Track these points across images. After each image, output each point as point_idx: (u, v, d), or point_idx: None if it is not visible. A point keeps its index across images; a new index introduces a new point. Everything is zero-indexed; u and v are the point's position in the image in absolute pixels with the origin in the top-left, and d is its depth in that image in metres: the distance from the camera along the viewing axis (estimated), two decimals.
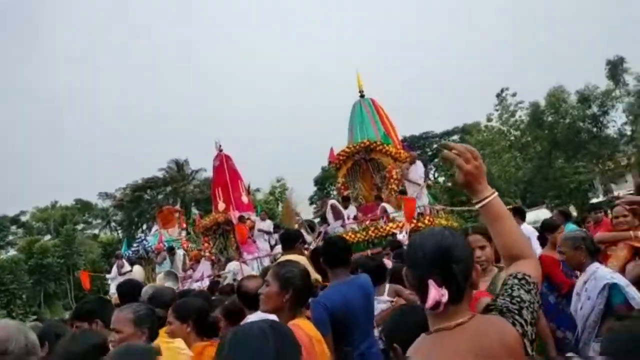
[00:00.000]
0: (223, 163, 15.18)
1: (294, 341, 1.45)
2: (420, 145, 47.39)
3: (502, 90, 41.02)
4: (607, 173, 39.37)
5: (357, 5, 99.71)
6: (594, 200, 35.87)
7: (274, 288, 2.61)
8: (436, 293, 1.39)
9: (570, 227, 7.62)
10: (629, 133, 38.73)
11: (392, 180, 12.11)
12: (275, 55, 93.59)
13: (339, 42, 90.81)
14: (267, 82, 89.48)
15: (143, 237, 16.04)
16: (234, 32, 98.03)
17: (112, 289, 13.20)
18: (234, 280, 10.95)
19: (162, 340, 2.76)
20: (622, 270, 3.91)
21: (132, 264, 14.19)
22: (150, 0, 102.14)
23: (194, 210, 43.87)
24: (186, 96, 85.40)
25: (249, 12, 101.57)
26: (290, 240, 4.47)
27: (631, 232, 4.19)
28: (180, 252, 14.16)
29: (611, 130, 38.94)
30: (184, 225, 16.74)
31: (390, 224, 10.57)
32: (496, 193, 1.70)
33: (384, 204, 11.54)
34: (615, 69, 37.72)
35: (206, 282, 12.27)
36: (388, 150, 12.27)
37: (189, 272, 13.74)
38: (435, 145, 50.42)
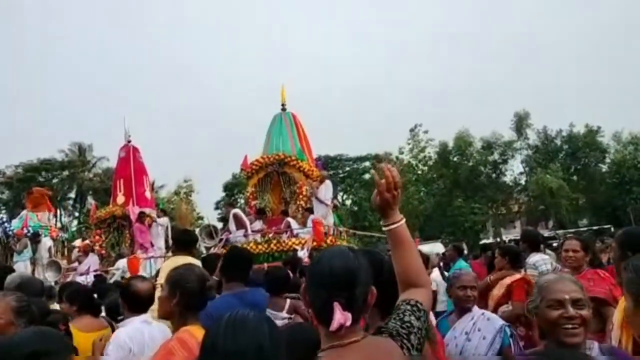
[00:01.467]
0: (130, 154, 14.46)
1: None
2: (334, 167, 48.21)
3: (415, 126, 43.01)
4: (499, 217, 42.20)
5: (287, 18, 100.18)
6: (485, 241, 38.24)
7: (164, 292, 2.49)
8: (341, 317, 1.40)
9: (460, 264, 8.06)
10: (523, 183, 41.91)
11: (301, 197, 12.13)
12: (197, 60, 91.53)
13: (265, 53, 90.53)
14: (188, 83, 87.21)
15: (5, 219, 13.69)
16: (157, 31, 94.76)
17: None
18: (122, 278, 10.43)
19: None
20: (495, 310, 4.13)
21: None
22: None
23: (90, 200, 41.49)
24: (99, 83, 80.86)
25: (172, 12, 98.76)
26: (185, 242, 4.24)
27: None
28: (46, 240, 12.72)
29: (508, 178, 42.02)
30: (53, 210, 15.00)
31: (293, 240, 10.55)
32: (404, 220, 1.76)
33: (288, 219, 11.51)
34: (521, 121, 40.87)
35: (91, 277, 11.57)
36: (301, 166, 12.31)
37: (75, 264, 12.88)
38: (347, 168, 51.55)
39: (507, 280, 4.37)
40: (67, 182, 48.93)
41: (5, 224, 13.02)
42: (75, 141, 49.58)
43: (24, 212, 13.80)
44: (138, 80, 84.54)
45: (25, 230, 12.66)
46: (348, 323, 1.41)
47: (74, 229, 47.17)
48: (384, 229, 1.76)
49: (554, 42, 69.28)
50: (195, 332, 2.30)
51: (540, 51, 70.51)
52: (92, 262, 12.44)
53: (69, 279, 10.38)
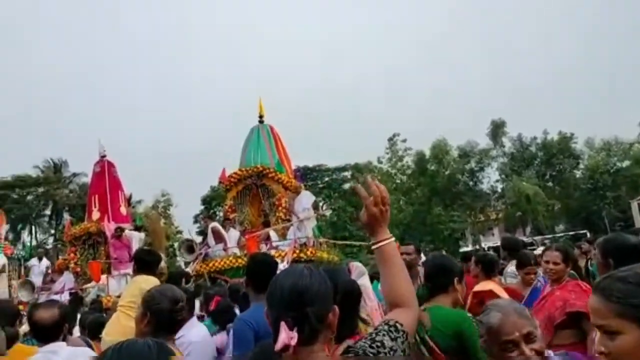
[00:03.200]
0: (104, 170, 14.21)
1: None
2: (313, 177, 48.20)
3: (393, 135, 43.32)
4: (478, 225, 42.62)
5: (259, 27, 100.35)
6: (464, 249, 38.54)
7: (137, 313, 2.49)
8: (285, 336, 1.37)
9: None
10: (500, 190, 42.47)
11: (280, 209, 12.10)
12: (175, 74, 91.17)
13: (241, 65, 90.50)
14: (167, 95, 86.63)
15: None
16: (135, 45, 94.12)
17: None
18: (97, 296, 10.25)
19: None
20: None
21: None
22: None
23: (66, 216, 40.73)
24: (74, 98, 79.79)
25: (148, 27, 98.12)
26: (147, 262, 4.11)
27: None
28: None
29: (485, 186, 42.55)
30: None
31: (273, 252, 10.48)
32: (393, 239, 1.73)
33: (269, 229, 11.46)
34: (497, 129, 41.52)
35: (67, 296, 11.30)
36: (280, 178, 12.28)
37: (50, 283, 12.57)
38: (326, 179, 51.57)
39: (477, 288, 4.36)
40: (42, 199, 47.97)
41: None
42: (50, 157, 48.78)
43: None
44: (114, 95, 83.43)
45: None
46: (293, 342, 1.37)
47: (49, 246, 46.36)
48: (372, 247, 1.73)
49: (528, 49, 70.72)
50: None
51: (514, 58, 71.72)
52: (67, 280, 12.18)
53: (43, 298, 10.13)
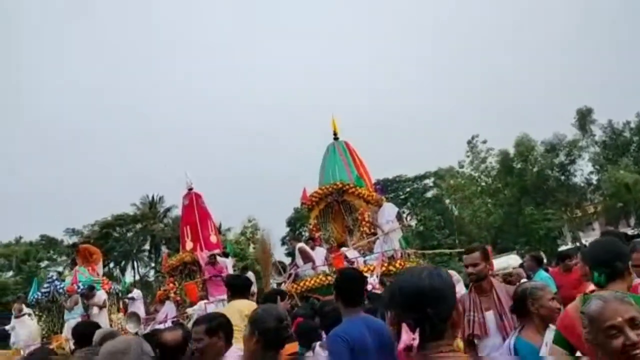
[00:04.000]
0: (193, 201, 14.93)
1: None
2: (393, 189, 47.77)
3: (472, 137, 42.07)
4: (575, 221, 40.19)
5: (327, 50, 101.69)
6: (563, 248, 36.39)
7: (246, 332, 2.69)
8: (407, 337, 1.41)
9: (540, 275, 7.61)
10: (595, 182, 39.85)
11: (364, 223, 12.07)
12: (251, 93, 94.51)
13: (311, 87, 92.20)
14: (243, 119, 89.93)
15: (55, 277, 13.93)
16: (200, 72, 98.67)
17: (13, 338, 12.02)
18: None
19: None
20: None
21: (41, 308, 12.84)
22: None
23: (163, 249, 42.98)
24: (162, 134, 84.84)
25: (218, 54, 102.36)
26: (239, 287, 4.26)
27: None
28: (100, 294, 12.16)
29: (578, 179, 40.08)
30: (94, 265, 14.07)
31: (362, 267, 10.44)
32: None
33: (343, 249, 11.45)
34: (584, 118, 39.13)
35: (169, 324, 11.84)
36: (360, 193, 12.27)
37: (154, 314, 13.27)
38: (407, 189, 50.90)
39: (592, 287, 4.09)
40: (140, 235, 51.04)
41: (56, 282, 13.19)
42: (146, 194, 51.90)
43: (75, 268, 13.70)
44: (199, 134, 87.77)
45: (75, 287, 12.48)
46: (416, 343, 1.39)
47: (151, 279, 49.04)
48: None
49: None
50: None
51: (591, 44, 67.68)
52: (169, 309, 12.78)
53: (148, 329, 10.68)
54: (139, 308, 12.73)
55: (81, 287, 12.33)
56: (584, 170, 39.97)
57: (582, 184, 40.33)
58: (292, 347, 3.48)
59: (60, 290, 12.76)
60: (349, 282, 3.38)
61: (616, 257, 2.74)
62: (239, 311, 3.94)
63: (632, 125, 39.60)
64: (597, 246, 3.02)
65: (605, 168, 37.51)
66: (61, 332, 11.66)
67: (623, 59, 63.48)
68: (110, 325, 11.07)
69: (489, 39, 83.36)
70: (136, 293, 12.94)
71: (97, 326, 5.36)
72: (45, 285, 13.45)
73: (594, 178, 39.97)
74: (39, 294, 13.19)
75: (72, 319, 11.09)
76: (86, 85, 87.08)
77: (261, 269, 13.73)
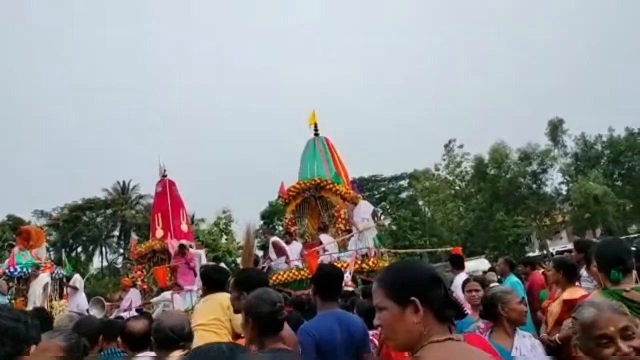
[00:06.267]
0: (166, 188, 14.65)
1: None
2: (369, 188, 47.97)
3: (449, 141, 42.50)
4: (544, 229, 40.94)
5: (314, 48, 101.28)
6: (530, 254, 37.04)
7: (242, 320, 2.70)
8: None
9: (511, 280, 7.69)
10: (564, 192, 40.66)
11: (339, 220, 12.03)
12: (231, 89, 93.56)
13: (294, 81, 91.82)
14: (221, 116, 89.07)
15: None
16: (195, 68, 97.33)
17: None
18: (164, 311, 10.43)
19: None
20: (555, 327, 3.96)
21: None
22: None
23: (133, 236, 42.29)
24: (138, 122, 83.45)
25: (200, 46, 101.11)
26: (217, 281, 4.13)
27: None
28: (44, 276, 11.39)
29: (549, 188, 40.85)
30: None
31: (335, 264, 10.38)
32: None
33: (321, 235, 11.43)
34: (556, 129, 39.89)
35: (134, 312, 11.61)
36: (338, 190, 12.22)
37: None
38: (383, 189, 51.20)
39: (565, 296, 4.14)
40: (110, 220, 50.18)
41: None
42: (117, 180, 51.00)
43: (13, 250, 12.49)
44: (176, 118, 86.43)
45: (7, 270, 11.51)
46: None
47: (119, 265, 48.21)
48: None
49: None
50: None
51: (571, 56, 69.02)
52: (133, 297, 12.51)
53: (112, 317, 10.43)
54: (80, 298, 11.48)
55: (18, 269, 11.53)
56: (554, 179, 40.84)
57: (552, 194, 41.13)
58: None
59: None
60: (327, 278, 3.50)
61: (629, 254, 3.01)
62: (220, 304, 3.84)
63: (604, 138, 40.54)
64: (611, 246, 3.22)
65: (575, 179, 38.31)
66: None
67: (601, 72, 64.75)
68: (51, 312, 10.38)
69: (474, 40, 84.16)
70: (78, 281, 11.69)
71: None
72: None
73: (564, 188, 40.82)
74: None
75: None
76: (61, 67, 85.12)
77: (242, 260, 13.51)
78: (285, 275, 10.62)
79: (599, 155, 40.67)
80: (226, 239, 39.45)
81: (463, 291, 5.00)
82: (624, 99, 60.40)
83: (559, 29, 76.10)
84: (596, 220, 37.24)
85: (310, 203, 13.02)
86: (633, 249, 3.91)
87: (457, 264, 7.57)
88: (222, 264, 11.78)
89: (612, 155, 39.81)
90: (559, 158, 40.48)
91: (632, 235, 35.12)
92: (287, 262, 11.04)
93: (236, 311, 3.26)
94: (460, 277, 6.62)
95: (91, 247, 50.10)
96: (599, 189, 34.86)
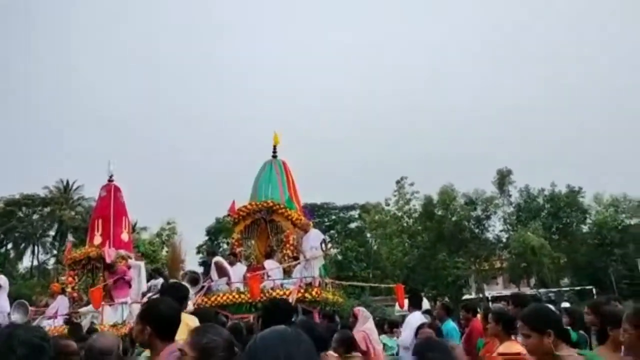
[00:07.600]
0: (110, 194, 14.11)
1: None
2: (320, 214, 47.97)
3: (401, 178, 43.32)
4: (482, 273, 41.99)
5: (278, 68, 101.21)
6: (467, 297, 37.85)
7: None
8: None
9: (448, 325, 7.72)
10: (504, 240, 41.99)
11: (287, 246, 11.86)
12: (187, 101, 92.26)
13: (253, 100, 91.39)
14: (177, 125, 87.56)
15: None
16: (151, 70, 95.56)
17: None
18: (92, 323, 9.97)
19: None
20: None
21: None
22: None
23: (70, 238, 40.49)
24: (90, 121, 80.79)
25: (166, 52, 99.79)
26: (177, 299, 3.95)
27: None
28: None
29: (490, 234, 42.10)
30: None
31: (278, 290, 10.22)
32: None
33: (267, 261, 11.26)
34: (504, 179, 41.35)
35: (60, 321, 11.00)
36: (290, 215, 12.08)
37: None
38: (333, 217, 51.33)
39: (502, 349, 4.17)
40: (47, 219, 47.90)
41: None
42: (61, 178, 48.94)
43: None
44: (128, 121, 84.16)
45: None
46: None
47: (50, 267, 45.89)
48: None
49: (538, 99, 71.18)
50: None
51: (524, 109, 72.18)
52: (61, 304, 11.86)
53: (35, 323, 9.83)
54: (2, 300, 10.61)
55: None
56: (496, 227, 42.17)
57: (493, 240, 42.38)
58: None
59: None
60: (275, 313, 3.46)
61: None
62: (187, 325, 3.67)
63: (546, 193, 42.30)
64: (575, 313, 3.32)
65: (516, 228, 39.67)
66: None
67: (552, 127, 67.76)
68: None
69: (438, 80, 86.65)
70: (2, 280, 10.80)
71: None
72: None
73: (505, 236, 42.17)
74: None
75: None
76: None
77: (168, 275, 13.09)
78: (225, 298, 10.33)
79: (540, 208, 42.33)
80: (167, 251, 38.32)
81: (416, 335, 5.00)
82: (570, 156, 63.26)
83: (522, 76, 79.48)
84: (532, 270, 38.52)
85: (260, 225, 12.84)
86: (566, 303, 4.03)
87: (415, 304, 7.49)
88: (160, 278, 11.36)
89: (552, 209, 41.50)
90: (503, 207, 41.92)
91: (564, 289, 36.69)
92: (229, 283, 10.77)
93: (141, 344, 3.04)
94: (414, 317, 6.58)
95: (22, 245, 47.54)
96: (537, 240, 36.15)
